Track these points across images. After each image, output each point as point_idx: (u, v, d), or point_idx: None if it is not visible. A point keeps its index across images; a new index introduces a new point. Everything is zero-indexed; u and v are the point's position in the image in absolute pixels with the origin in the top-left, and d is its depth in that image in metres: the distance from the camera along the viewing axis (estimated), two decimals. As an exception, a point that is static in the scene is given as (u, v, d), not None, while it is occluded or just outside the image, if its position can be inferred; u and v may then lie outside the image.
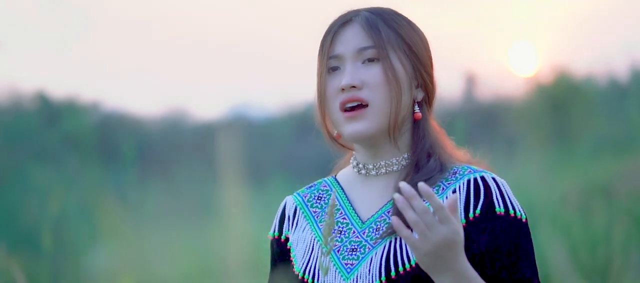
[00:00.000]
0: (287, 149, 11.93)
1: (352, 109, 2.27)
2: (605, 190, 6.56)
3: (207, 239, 9.40)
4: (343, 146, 2.39)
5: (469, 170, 2.28)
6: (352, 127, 2.27)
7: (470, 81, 11.18)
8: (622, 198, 6.07)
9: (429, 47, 2.35)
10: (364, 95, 2.27)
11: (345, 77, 2.27)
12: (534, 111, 10.05)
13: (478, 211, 2.23)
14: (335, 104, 2.29)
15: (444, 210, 2.06)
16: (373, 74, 2.27)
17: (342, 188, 2.37)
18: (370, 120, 2.26)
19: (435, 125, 2.34)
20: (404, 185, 2.06)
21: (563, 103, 10.26)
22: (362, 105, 2.27)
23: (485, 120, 10.61)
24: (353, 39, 2.30)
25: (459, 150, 2.35)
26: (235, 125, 12.27)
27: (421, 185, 2.06)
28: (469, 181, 2.25)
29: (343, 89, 2.27)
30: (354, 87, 2.27)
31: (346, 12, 2.35)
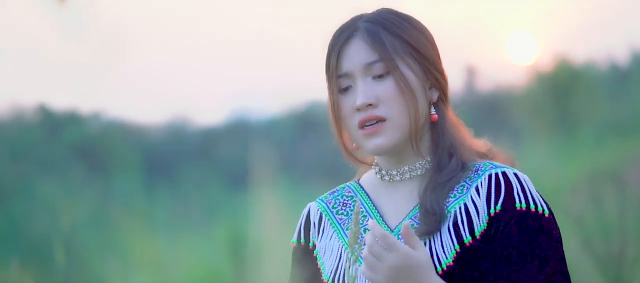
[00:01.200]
0: (290, 150, 11.93)
1: (371, 125, 2.25)
2: (614, 175, 6.54)
3: (215, 243, 9.40)
4: (362, 161, 2.38)
5: (490, 165, 2.26)
6: (373, 142, 2.25)
7: (471, 73, 11.19)
8: (631, 183, 6.06)
9: (434, 42, 2.32)
10: (381, 112, 2.24)
11: (358, 97, 2.25)
12: (536, 100, 10.05)
13: (499, 207, 2.21)
14: (352, 122, 2.27)
15: (388, 237, 2.10)
16: (386, 88, 2.25)
17: (366, 194, 2.35)
18: (390, 134, 2.25)
19: (452, 119, 2.33)
20: (378, 232, 2.12)
21: (565, 90, 10.26)
22: (380, 120, 2.25)
23: (487, 111, 10.60)
24: (358, 55, 2.27)
25: (477, 140, 2.34)
26: (237, 129, 12.27)
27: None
28: (490, 176, 2.24)
29: (358, 109, 2.25)
30: (370, 105, 2.25)
31: (346, 23, 2.32)
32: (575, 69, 10.83)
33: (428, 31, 2.32)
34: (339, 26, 2.33)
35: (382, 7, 2.34)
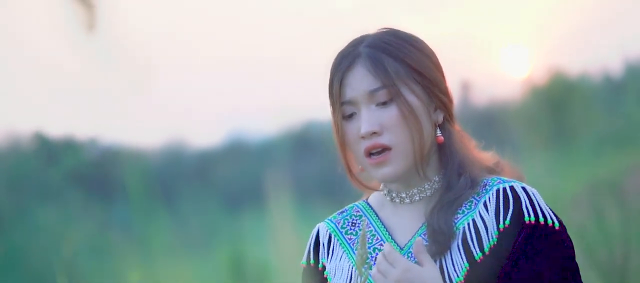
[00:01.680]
0: (288, 169, 11.93)
1: (377, 153, 2.24)
2: (613, 186, 6.55)
3: (216, 265, 9.40)
4: (368, 187, 2.37)
5: (498, 180, 2.26)
6: (380, 172, 2.25)
7: (466, 87, 11.19)
8: (631, 194, 6.07)
9: (438, 61, 2.30)
10: (385, 140, 2.24)
11: (363, 125, 2.24)
12: (533, 113, 10.06)
13: (508, 221, 2.21)
14: (358, 149, 2.26)
15: (392, 253, 2.14)
16: (390, 115, 2.23)
17: (375, 213, 2.35)
18: (397, 163, 2.24)
19: (459, 136, 2.31)
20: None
21: (560, 103, 10.27)
22: (386, 149, 2.24)
23: (483, 125, 10.61)
24: (361, 82, 2.25)
25: (485, 153, 2.33)
26: (234, 150, 12.27)
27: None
28: (497, 191, 2.24)
29: (363, 137, 2.24)
30: (374, 133, 2.24)
31: (347, 48, 2.29)
32: (570, 81, 10.83)
33: (431, 50, 2.30)
34: (339, 49, 2.31)
35: (383, 27, 2.32)
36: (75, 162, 11.38)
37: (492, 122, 10.77)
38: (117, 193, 10.61)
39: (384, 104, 2.24)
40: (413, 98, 2.24)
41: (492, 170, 2.32)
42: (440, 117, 2.29)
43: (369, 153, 2.25)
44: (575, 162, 8.93)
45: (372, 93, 2.24)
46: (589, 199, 6.26)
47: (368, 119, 2.24)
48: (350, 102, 2.26)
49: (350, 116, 2.27)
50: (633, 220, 5.36)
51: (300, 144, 12.16)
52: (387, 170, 2.24)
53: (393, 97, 2.24)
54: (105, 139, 11.96)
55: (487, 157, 2.34)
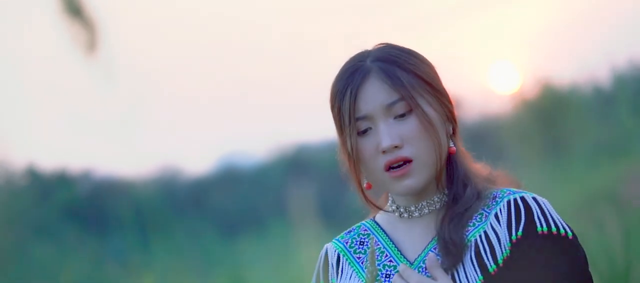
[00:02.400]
0: (282, 193, 11.94)
1: (399, 166, 2.22)
2: (611, 196, 6.56)
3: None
4: (379, 207, 2.36)
5: (508, 192, 2.25)
6: (403, 185, 2.23)
7: (457, 104, 11.21)
8: (629, 203, 6.07)
9: (436, 71, 2.29)
10: (407, 152, 2.21)
11: (383, 139, 2.21)
12: (525, 127, 10.08)
13: (520, 232, 2.20)
14: (376, 165, 2.23)
15: (407, 270, 2.16)
16: (410, 128, 2.21)
17: (383, 231, 2.34)
18: (418, 175, 2.22)
19: (461, 149, 2.31)
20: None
21: (552, 115, 10.30)
22: (407, 161, 2.22)
23: (476, 141, 10.60)
24: (377, 96, 2.22)
25: (477, 164, 2.33)
26: (227, 176, 12.26)
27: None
28: (508, 202, 2.23)
29: (384, 151, 2.21)
30: (396, 146, 2.21)
31: (353, 63, 2.27)
32: (560, 93, 10.86)
33: (430, 62, 2.29)
34: (333, 72, 2.30)
35: (380, 43, 2.30)
36: (69, 197, 11.37)
37: (484, 138, 10.78)
38: (112, 226, 10.59)
39: (402, 116, 2.22)
40: (429, 109, 2.23)
41: (490, 180, 2.32)
42: (450, 128, 2.29)
43: (389, 167, 2.23)
44: (570, 174, 8.95)
45: (390, 106, 2.22)
46: (586, 210, 6.27)
47: (388, 132, 2.21)
48: (366, 117, 2.23)
49: (365, 132, 2.24)
50: (632, 228, 5.37)
51: (293, 168, 12.16)
52: (409, 182, 2.22)
53: (412, 109, 2.22)
54: (98, 171, 11.96)
55: (479, 166, 2.33)
